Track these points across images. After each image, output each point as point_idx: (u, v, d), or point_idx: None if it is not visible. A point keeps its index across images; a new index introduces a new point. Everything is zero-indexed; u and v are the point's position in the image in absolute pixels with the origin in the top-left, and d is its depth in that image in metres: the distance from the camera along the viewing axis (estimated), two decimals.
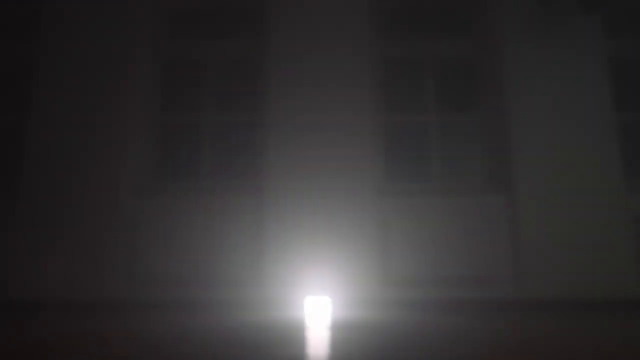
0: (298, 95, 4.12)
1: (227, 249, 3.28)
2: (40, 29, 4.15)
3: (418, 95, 4.35)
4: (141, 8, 4.21)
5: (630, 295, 1.48)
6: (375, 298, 2.05)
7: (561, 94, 4.03)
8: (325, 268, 2.38)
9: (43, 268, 3.07)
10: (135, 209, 3.72)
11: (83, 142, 3.88)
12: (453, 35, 4.24)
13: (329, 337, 1.56)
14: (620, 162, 3.38)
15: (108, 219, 3.59)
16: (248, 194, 3.87)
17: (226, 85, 4.56)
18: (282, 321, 1.68)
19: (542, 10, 3.88)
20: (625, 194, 3.14)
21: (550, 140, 4.07)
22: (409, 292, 2.65)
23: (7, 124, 4.09)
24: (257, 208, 3.87)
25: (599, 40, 3.78)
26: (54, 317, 1.93)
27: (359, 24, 4.10)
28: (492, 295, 1.69)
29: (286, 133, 4.01)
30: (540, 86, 4.05)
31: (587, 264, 2.70)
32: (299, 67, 4.06)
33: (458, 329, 1.54)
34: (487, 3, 4.03)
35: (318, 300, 1.87)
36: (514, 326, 1.53)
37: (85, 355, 1.39)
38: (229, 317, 1.74)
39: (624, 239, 2.83)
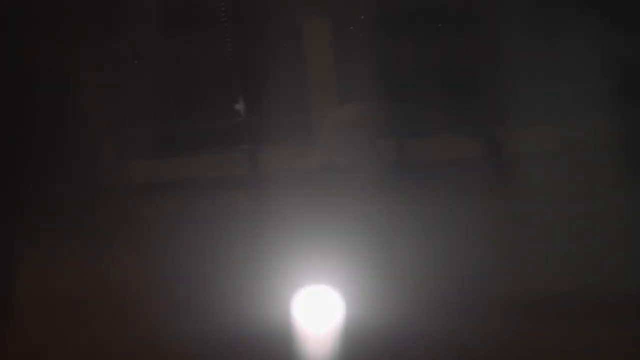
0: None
1: (224, 243, 3.26)
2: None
3: (417, 91, 4.34)
4: None
5: (627, 295, 1.49)
6: (376, 293, 2.04)
7: (561, 93, 4.03)
8: (325, 261, 2.36)
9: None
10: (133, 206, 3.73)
11: None
12: (453, 34, 4.23)
13: (330, 336, 1.56)
14: (620, 161, 3.35)
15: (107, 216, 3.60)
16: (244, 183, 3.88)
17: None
18: (280, 318, 1.67)
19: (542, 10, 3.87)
20: (625, 194, 3.11)
21: (550, 140, 4.07)
22: (409, 287, 2.63)
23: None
24: (255, 199, 3.87)
25: (599, 40, 3.75)
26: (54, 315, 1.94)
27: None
28: (492, 293, 1.71)
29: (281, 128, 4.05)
30: (540, 86, 4.04)
31: (585, 264, 2.66)
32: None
33: (460, 329, 1.53)
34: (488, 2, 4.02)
35: (318, 291, 1.86)
36: (511, 325, 1.52)
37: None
38: (229, 316, 1.74)
39: (623, 238, 2.79)
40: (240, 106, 4.78)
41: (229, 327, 1.64)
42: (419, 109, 4.30)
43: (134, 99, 4.88)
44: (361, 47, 4.42)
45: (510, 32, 3.92)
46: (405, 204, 3.09)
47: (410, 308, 1.66)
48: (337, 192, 2.34)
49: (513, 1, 3.91)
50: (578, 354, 1.34)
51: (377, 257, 2.15)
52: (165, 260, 2.52)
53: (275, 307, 1.73)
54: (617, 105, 3.45)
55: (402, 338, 1.48)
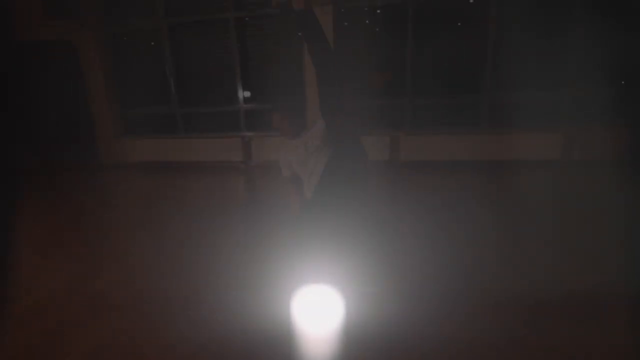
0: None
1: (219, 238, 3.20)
2: None
3: (421, 85, 4.33)
4: None
5: (627, 295, 1.51)
6: (375, 294, 2.01)
7: (561, 92, 4.03)
8: (324, 261, 2.32)
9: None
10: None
11: None
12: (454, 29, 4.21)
13: (331, 340, 1.54)
14: (621, 162, 3.38)
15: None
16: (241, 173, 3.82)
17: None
18: (279, 317, 1.64)
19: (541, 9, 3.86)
20: (625, 194, 3.13)
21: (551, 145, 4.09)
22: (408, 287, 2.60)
23: None
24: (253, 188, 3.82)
25: (599, 39, 3.76)
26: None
27: None
28: (492, 292, 1.71)
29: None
30: (540, 83, 4.03)
31: (585, 264, 2.67)
32: None
33: (460, 329, 1.53)
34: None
35: (318, 290, 1.84)
36: (511, 326, 1.53)
37: None
38: (226, 316, 1.70)
39: (623, 238, 2.80)
40: (239, 94, 4.74)
41: (228, 325, 1.60)
42: (419, 105, 4.30)
43: (138, 81, 4.91)
44: (362, 39, 4.38)
45: (512, 30, 3.92)
46: (404, 203, 3.09)
47: (409, 309, 1.65)
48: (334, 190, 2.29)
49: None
50: (578, 354, 1.35)
51: (376, 257, 2.14)
52: (163, 251, 2.45)
53: (274, 306, 1.70)
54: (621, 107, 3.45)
55: (402, 338, 1.48)
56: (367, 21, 4.33)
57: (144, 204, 3.57)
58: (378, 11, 4.26)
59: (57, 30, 4.51)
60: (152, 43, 4.79)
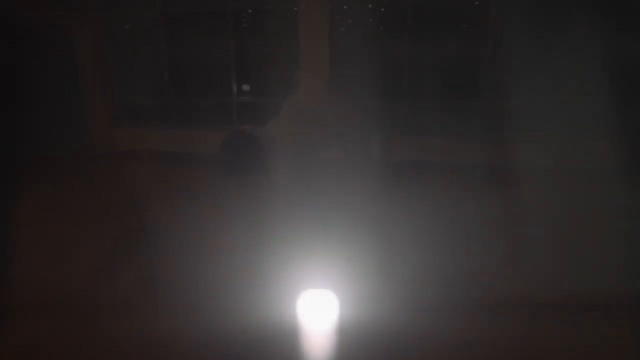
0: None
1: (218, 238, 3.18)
2: None
3: (421, 84, 4.32)
4: None
5: (627, 295, 1.53)
6: (373, 295, 2.00)
7: (561, 91, 4.04)
8: (326, 260, 2.30)
9: None
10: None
11: None
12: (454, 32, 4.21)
13: (330, 341, 1.54)
14: (619, 161, 3.41)
15: None
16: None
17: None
18: (278, 321, 1.64)
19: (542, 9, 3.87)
20: (625, 195, 3.14)
21: (550, 135, 4.10)
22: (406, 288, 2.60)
23: None
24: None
25: (599, 39, 3.77)
26: None
27: None
28: (493, 293, 1.72)
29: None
30: (540, 81, 4.04)
31: (585, 264, 2.69)
32: None
33: (458, 330, 1.54)
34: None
35: (318, 295, 1.84)
36: (510, 326, 1.54)
37: None
38: (226, 316, 1.68)
39: (623, 239, 2.80)
40: (233, 86, 4.72)
41: (224, 327, 1.59)
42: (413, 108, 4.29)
43: (132, 70, 4.87)
44: (358, 38, 4.37)
45: (510, 34, 3.92)
46: (403, 204, 3.08)
47: (406, 310, 1.65)
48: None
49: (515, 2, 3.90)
50: (578, 354, 1.36)
51: (374, 258, 2.14)
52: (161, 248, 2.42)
53: (274, 307, 1.69)
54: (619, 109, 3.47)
55: (401, 340, 1.48)
56: (369, 20, 4.32)
57: (138, 196, 3.52)
58: (382, 9, 4.24)
59: (53, 18, 4.46)
60: (151, 33, 4.76)
